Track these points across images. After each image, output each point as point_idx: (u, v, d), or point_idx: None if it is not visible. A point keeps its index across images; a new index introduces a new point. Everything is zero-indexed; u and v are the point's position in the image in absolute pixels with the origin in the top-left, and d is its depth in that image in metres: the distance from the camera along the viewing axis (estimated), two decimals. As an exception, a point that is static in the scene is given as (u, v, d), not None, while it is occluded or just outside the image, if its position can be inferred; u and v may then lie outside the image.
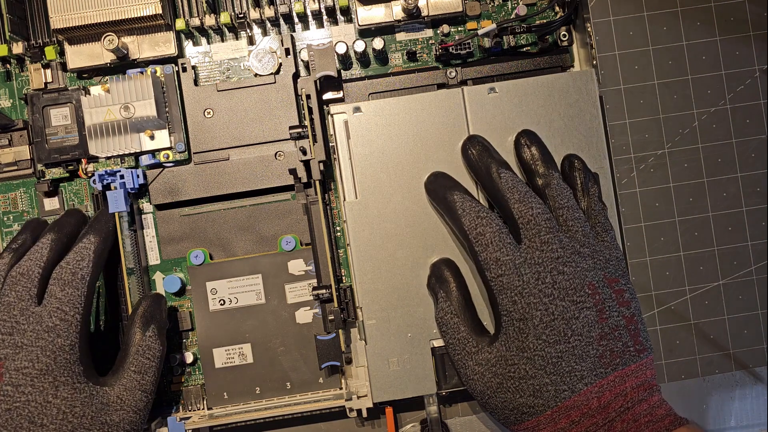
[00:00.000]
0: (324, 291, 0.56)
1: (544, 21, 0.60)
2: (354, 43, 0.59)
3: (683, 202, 0.62)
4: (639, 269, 0.61)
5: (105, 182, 0.57)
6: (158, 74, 0.58)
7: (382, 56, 0.61)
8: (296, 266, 0.59)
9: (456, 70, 0.59)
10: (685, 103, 0.62)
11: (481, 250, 0.50)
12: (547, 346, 0.48)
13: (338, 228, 0.60)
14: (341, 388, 0.58)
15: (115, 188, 0.57)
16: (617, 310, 0.49)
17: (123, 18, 0.56)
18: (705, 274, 0.62)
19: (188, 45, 0.61)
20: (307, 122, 0.57)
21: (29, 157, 0.59)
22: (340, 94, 0.59)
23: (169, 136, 0.58)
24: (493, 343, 0.50)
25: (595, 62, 0.58)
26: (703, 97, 0.62)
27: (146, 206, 0.60)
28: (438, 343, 0.56)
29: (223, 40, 0.61)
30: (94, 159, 0.58)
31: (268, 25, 0.61)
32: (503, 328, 0.50)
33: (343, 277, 0.60)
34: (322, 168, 0.57)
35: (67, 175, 0.59)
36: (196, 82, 0.59)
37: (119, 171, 0.57)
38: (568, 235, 0.50)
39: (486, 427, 0.61)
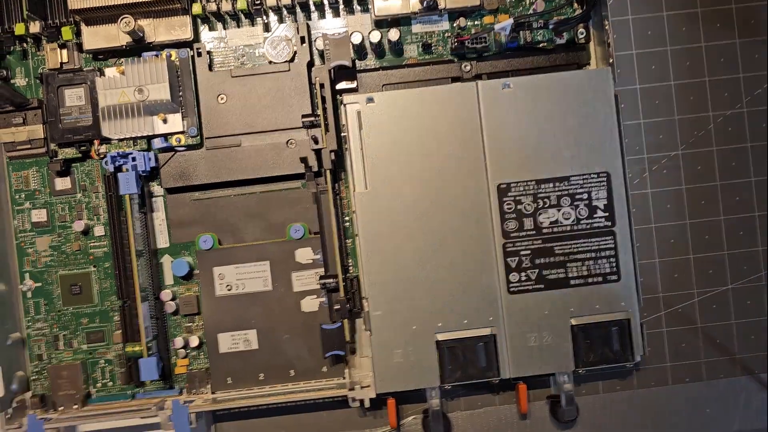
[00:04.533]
0: (331, 280, 0.56)
1: (562, 18, 0.59)
2: (369, 33, 0.58)
3: (695, 205, 0.61)
4: (648, 270, 0.61)
5: (117, 164, 0.57)
6: (173, 58, 0.58)
7: (397, 47, 0.60)
8: (304, 255, 0.59)
9: (471, 64, 0.59)
10: (701, 105, 0.61)
11: None
12: None
13: (347, 218, 0.60)
14: (344, 378, 0.59)
15: (127, 170, 0.57)
16: None
17: (140, 0, 0.56)
18: (714, 278, 0.61)
19: (204, 30, 0.61)
20: (319, 111, 0.57)
21: (43, 136, 0.59)
22: (353, 84, 0.59)
23: (182, 120, 0.58)
24: None
25: (611, 60, 0.57)
26: (720, 99, 0.61)
27: (157, 189, 0.60)
28: (442, 336, 0.56)
29: (238, 26, 0.61)
30: (106, 140, 0.58)
31: (284, 12, 0.61)
32: None
33: (350, 268, 0.60)
34: (333, 157, 0.57)
35: (80, 155, 0.59)
36: (210, 67, 0.59)
37: (131, 153, 0.57)
38: None
39: (488, 423, 0.61)
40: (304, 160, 0.57)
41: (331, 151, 0.56)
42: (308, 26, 0.59)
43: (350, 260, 0.60)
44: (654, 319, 0.61)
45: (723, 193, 0.61)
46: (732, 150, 0.61)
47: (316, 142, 0.57)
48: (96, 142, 0.58)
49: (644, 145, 0.62)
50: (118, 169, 0.57)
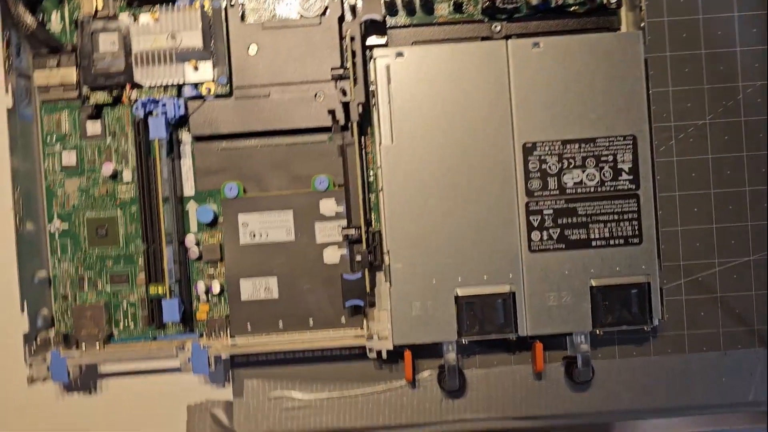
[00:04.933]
0: (353, 231, 0.57)
1: (595, -20, 0.59)
2: (401, -11, 0.59)
3: (720, 175, 0.61)
4: (669, 238, 0.61)
5: (147, 110, 0.58)
6: (206, 8, 0.59)
7: (428, 5, 0.61)
8: (327, 206, 0.59)
9: (501, 25, 0.59)
10: (731, 75, 0.61)
11: None
12: None
13: (372, 173, 0.61)
14: (363, 329, 0.59)
15: (156, 115, 0.58)
16: None
17: (176, -53, 0.56)
18: (736, 249, 0.61)
19: (237, -19, 0.61)
20: (348, 65, 0.57)
21: (75, 80, 0.60)
22: (383, 40, 0.59)
23: (213, 68, 0.59)
24: None
25: (643, 25, 0.57)
26: (750, 69, 0.61)
27: (185, 137, 0.61)
28: (462, 291, 0.56)
29: (271, -21, 0.61)
30: (138, 86, 0.59)
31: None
32: None
33: (373, 222, 0.60)
34: (360, 110, 0.57)
35: (111, 100, 0.60)
36: (242, 18, 0.60)
37: (161, 100, 0.58)
38: None
39: (503, 381, 0.62)
40: (331, 112, 0.58)
41: (358, 104, 0.57)
42: (341, -20, 0.60)
43: (373, 215, 0.60)
44: (674, 287, 0.61)
45: (749, 164, 0.61)
46: (760, 121, 0.61)
47: (344, 94, 0.57)
48: (128, 87, 0.59)
49: (671, 112, 0.61)
50: (148, 114, 0.58)
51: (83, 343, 0.60)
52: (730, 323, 0.61)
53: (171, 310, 0.57)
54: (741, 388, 0.62)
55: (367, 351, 0.57)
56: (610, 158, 0.56)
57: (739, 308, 0.61)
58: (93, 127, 0.61)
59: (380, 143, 0.56)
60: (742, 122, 0.61)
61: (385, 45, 0.59)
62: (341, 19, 0.59)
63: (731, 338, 0.62)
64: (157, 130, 0.57)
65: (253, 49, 0.59)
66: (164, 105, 0.58)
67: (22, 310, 0.58)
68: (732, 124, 0.61)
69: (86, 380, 0.63)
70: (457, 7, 0.61)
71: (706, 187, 0.61)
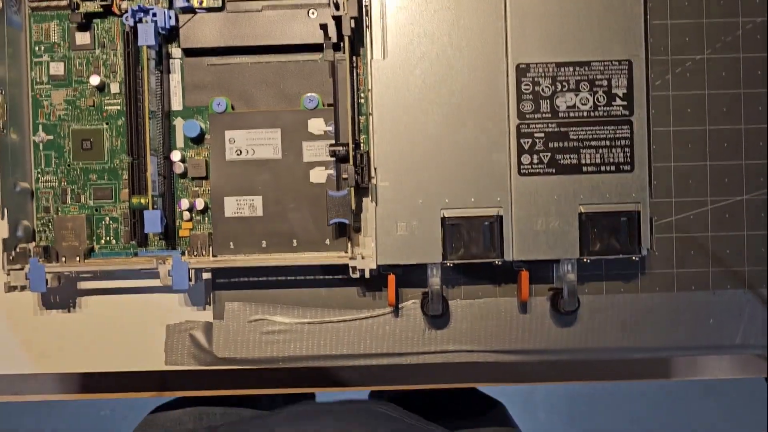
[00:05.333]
0: (341, 148, 0.56)
1: None
2: None
3: (716, 111, 0.60)
4: (662, 173, 0.60)
5: (137, 18, 0.57)
6: None
7: (426, -73, 0.60)
8: (316, 125, 0.58)
9: (500, -52, 0.58)
10: (731, 10, 0.60)
11: None
12: None
13: (362, 95, 0.60)
14: (347, 252, 0.58)
15: (147, 23, 0.57)
16: None
17: None
18: (729, 187, 0.60)
19: None
20: (343, -20, 0.56)
21: (66, -12, 0.59)
22: (379, -40, 0.58)
23: (205, -19, 0.58)
24: None
25: (643, -49, 0.56)
26: (751, 5, 0.60)
27: (175, 51, 0.60)
28: (448, 213, 0.55)
29: None
30: (129, -4, 0.58)
31: None
32: None
33: (362, 144, 0.59)
34: (353, 25, 0.56)
35: (101, 10, 0.59)
36: (237, -68, 0.59)
37: (152, 9, 0.57)
38: None
39: (487, 313, 0.61)
40: (323, 26, 0.57)
41: (351, 18, 0.56)
42: None
43: (362, 137, 0.59)
44: (665, 224, 0.61)
45: (746, 101, 0.60)
46: (758, 58, 0.60)
47: (337, 8, 0.56)
48: (118, -4, 0.58)
49: (669, 46, 0.60)
50: (138, 23, 0.57)
51: (63, 257, 0.59)
52: (720, 263, 0.60)
53: (153, 221, 0.56)
54: (729, 329, 0.61)
55: (350, 271, 0.56)
56: (605, 83, 0.55)
57: (729, 248, 0.60)
58: (82, 38, 0.60)
59: (372, 58, 0.55)
60: (741, 58, 0.60)
61: (381, -37, 0.58)
62: (337, -63, 0.58)
63: (721, 278, 0.61)
64: (146, 38, 0.56)
65: (247, -36, 0.58)
66: (155, 14, 0.57)
67: (2, 217, 0.57)
68: (730, 60, 0.60)
69: (65, 297, 0.62)
70: (456, -69, 0.60)
71: (702, 123, 0.60)
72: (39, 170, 0.60)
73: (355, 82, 0.58)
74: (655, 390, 1.47)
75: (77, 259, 0.59)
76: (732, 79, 0.60)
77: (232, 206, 0.58)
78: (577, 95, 0.55)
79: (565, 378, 0.62)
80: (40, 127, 0.60)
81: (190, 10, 0.58)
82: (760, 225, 0.60)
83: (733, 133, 0.60)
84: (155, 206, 0.57)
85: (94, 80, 0.59)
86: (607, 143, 0.55)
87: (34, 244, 0.60)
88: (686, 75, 0.60)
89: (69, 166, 0.60)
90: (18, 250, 0.58)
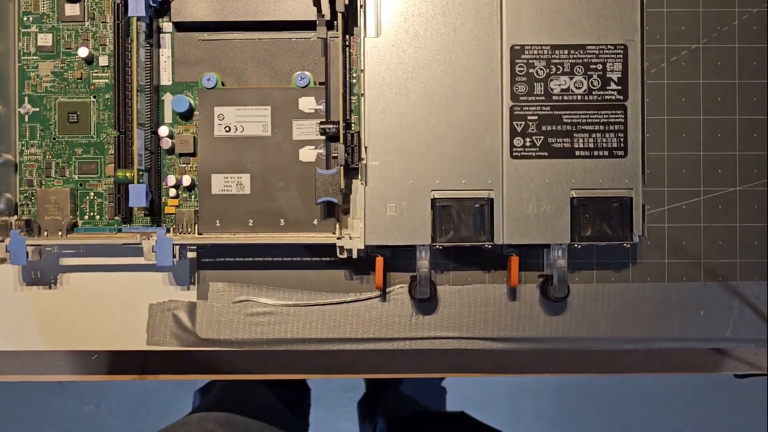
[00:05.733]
0: (332, 126, 0.55)
1: None
2: None
3: (711, 101, 0.60)
4: (655, 162, 0.60)
5: (128, -10, 0.56)
6: None
7: None
8: (307, 103, 0.58)
9: (497, -68, 0.58)
10: (727, 0, 0.60)
11: None
12: None
13: (354, 75, 0.59)
14: (334, 233, 0.57)
15: (137, -6, 0.56)
16: None
17: None
18: (722, 178, 0.60)
19: None
20: (338, -43, 0.56)
21: (57, -40, 0.58)
22: (375, -61, 0.58)
23: (199, -46, 0.57)
24: None
25: (641, -63, 0.56)
26: (748, -5, 0.60)
27: (166, 26, 0.59)
28: (439, 194, 0.55)
29: None
30: (120, -32, 0.57)
31: None
32: None
33: (353, 125, 0.59)
34: (346, 2, 0.55)
35: (92, -19, 0.58)
36: None
37: (144, -19, 0.56)
38: None
39: (476, 299, 0.60)
40: (317, 3, 0.56)
41: (345, -6, 0.55)
42: None
43: (353, 117, 0.59)
44: (657, 214, 0.60)
45: (740, 91, 0.60)
46: (754, 49, 0.60)
47: (331, -16, 0.56)
48: (109, -33, 0.58)
49: (665, 34, 0.60)
50: (129, -4, 0.56)
51: (45, 231, 0.58)
52: (712, 254, 0.60)
53: (138, 196, 0.55)
54: (720, 322, 0.60)
55: (338, 251, 0.56)
56: (600, 67, 0.55)
57: (721, 239, 0.60)
58: (71, 9, 0.59)
59: (365, 35, 0.55)
60: (737, 49, 0.60)
61: (377, -58, 0.58)
62: None
63: (712, 270, 0.60)
64: (137, 9, 0.55)
65: (241, -61, 0.57)
66: (146, -14, 0.56)
67: (-16, 188, 0.56)
68: (726, 51, 0.60)
69: (46, 273, 0.61)
70: None
71: (696, 113, 0.60)
72: (24, 142, 0.59)
73: (347, 61, 0.58)
74: (647, 384, 1.47)
75: (60, 233, 0.58)
76: (727, 70, 0.60)
77: (219, 183, 0.58)
78: (571, 78, 0.55)
79: (554, 370, 0.62)
80: (26, 98, 0.59)
81: (182, -17, 0.58)
82: (753, 217, 0.60)
83: (727, 123, 0.60)
84: (141, 181, 0.56)
85: (83, 52, 0.58)
86: (601, 128, 0.55)
87: (16, 217, 0.59)
88: (681, 64, 0.60)
89: (54, 139, 0.59)
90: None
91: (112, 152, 0.59)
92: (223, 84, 0.59)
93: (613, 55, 0.55)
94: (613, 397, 1.46)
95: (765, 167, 0.60)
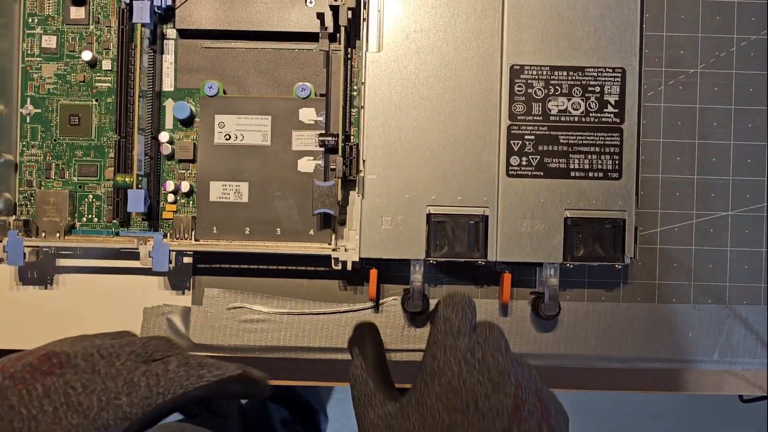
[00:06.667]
0: (331, 138, 0.56)
1: None
2: None
3: (706, 126, 0.61)
4: (649, 185, 0.60)
5: (133, -4, 0.57)
6: None
7: (429, -76, 0.60)
8: (307, 114, 0.58)
9: (501, -49, 0.58)
10: (726, 26, 0.60)
11: (443, 307, 0.48)
12: (444, 411, 0.42)
13: (355, 87, 0.59)
14: (330, 244, 0.58)
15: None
16: (537, 419, 0.43)
17: None
18: (715, 202, 0.61)
19: None
20: (342, -30, 0.56)
21: (63, -37, 0.59)
22: (380, -46, 0.58)
23: (205, -37, 0.58)
24: (399, 399, 0.45)
25: (642, -39, 0.56)
26: (747, 23, 0.60)
27: (170, 33, 0.60)
28: (434, 210, 0.55)
29: None
30: (126, -27, 0.58)
31: None
32: (414, 382, 0.45)
33: (352, 137, 0.59)
34: (350, 15, 0.56)
35: (98, -15, 0.59)
36: None
37: (149, -13, 0.57)
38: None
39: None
40: (320, 15, 0.57)
41: (348, 8, 0.56)
42: None
43: (353, 129, 0.59)
44: (649, 235, 0.61)
45: (736, 117, 0.61)
46: (752, 75, 0.61)
47: (335, -3, 0.56)
48: (116, -28, 0.58)
49: (664, 58, 0.61)
50: (134, 0, 0.57)
51: (43, 232, 0.58)
52: (703, 277, 0.61)
53: (136, 200, 0.56)
54: (707, 344, 0.61)
55: (333, 262, 0.56)
56: (597, 89, 0.55)
57: (712, 263, 0.61)
58: (77, 12, 0.60)
59: (367, 50, 0.55)
60: (734, 74, 0.60)
61: (382, -42, 0.58)
62: (340, -72, 0.58)
63: (703, 293, 0.61)
64: (142, 15, 0.56)
65: (247, -51, 0.58)
66: (151, -7, 0.57)
67: (-16, 187, 0.56)
68: (723, 76, 0.60)
69: (43, 273, 0.61)
70: (459, -70, 0.60)
71: (691, 137, 0.61)
72: (24, 143, 0.60)
73: (348, 74, 0.58)
74: (636, 401, 1.48)
75: (57, 235, 0.58)
76: (724, 95, 0.61)
77: (217, 191, 0.58)
78: (569, 100, 0.55)
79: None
80: (29, 99, 0.60)
81: (187, -9, 0.58)
82: (744, 241, 0.61)
83: (722, 148, 0.61)
84: (140, 186, 0.56)
85: (86, 55, 0.59)
86: (597, 149, 0.55)
87: (14, 217, 0.59)
88: (679, 87, 0.61)
89: (55, 140, 0.60)
90: (-3, 222, 0.57)
91: (112, 156, 0.59)
92: (224, 92, 0.59)
93: (611, 78, 0.55)
94: (600, 413, 1.47)
95: (762, 192, 0.60)
